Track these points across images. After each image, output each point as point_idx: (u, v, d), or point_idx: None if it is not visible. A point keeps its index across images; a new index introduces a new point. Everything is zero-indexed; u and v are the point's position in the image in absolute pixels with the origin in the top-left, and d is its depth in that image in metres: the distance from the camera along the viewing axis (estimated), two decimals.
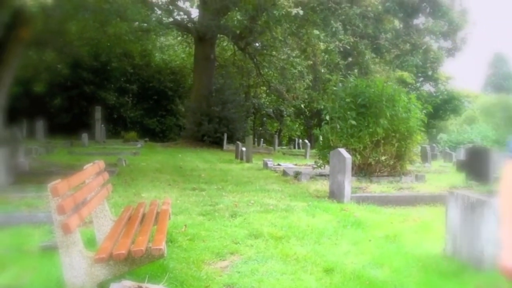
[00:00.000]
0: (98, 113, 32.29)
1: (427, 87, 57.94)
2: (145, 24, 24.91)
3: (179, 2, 34.64)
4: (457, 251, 5.80)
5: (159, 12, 31.99)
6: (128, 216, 5.48)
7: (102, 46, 31.23)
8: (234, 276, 5.14)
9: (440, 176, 17.09)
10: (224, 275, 5.17)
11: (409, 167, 15.51)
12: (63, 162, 17.45)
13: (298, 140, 44.28)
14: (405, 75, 44.83)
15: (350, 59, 36.04)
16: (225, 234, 6.91)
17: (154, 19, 26.87)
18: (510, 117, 62.11)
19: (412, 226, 7.91)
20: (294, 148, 41.93)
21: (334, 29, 29.64)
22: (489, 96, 71.71)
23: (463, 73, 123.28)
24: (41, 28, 16.27)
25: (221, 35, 35.90)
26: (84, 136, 27.89)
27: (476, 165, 14.38)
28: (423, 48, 39.06)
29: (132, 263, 4.14)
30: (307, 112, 45.49)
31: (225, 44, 41.33)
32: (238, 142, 24.93)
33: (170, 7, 33.17)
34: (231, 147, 29.45)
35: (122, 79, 41.77)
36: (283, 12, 25.86)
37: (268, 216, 8.30)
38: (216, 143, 31.91)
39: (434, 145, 39.61)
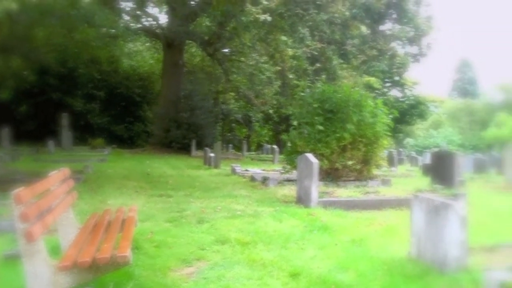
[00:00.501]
0: (64, 120, 31.92)
1: (394, 92, 58.61)
2: (113, 30, 24.72)
3: (147, 8, 34.46)
4: (421, 254, 5.87)
5: (127, 18, 31.79)
6: (93, 223, 5.43)
7: (69, 52, 30.82)
8: (200, 282, 5.14)
9: (406, 180, 17.32)
10: (190, 282, 5.16)
11: (375, 171, 15.67)
12: (29, 169, 17.19)
13: (267, 146, 44.34)
14: (372, 80, 45.31)
15: (317, 65, 36.21)
16: (191, 241, 6.90)
17: (122, 25, 26.67)
18: (475, 121, 63.14)
19: (378, 230, 8.00)
20: (263, 153, 41.96)
21: (301, 35, 29.84)
22: (455, 101, 72.85)
23: (430, 78, 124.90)
24: (7, 34, 16.06)
25: (190, 41, 35.82)
26: (51, 143, 27.58)
27: (441, 169, 14.59)
28: (389, 53, 39.48)
29: (97, 270, 4.10)
30: (276, 118, 45.57)
31: (193, 50, 41.25)
32: (206, 148, 24.88)
33: (138, 13, 32.97)
34: (200, 153, 29.37)
35: (89, 86, 41.26)
36: (251, 19, 25.99)
37: (235, 221, 8.30)
38: (185, 149, 31.76)
39: (400, 149, 40.12)
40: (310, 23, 30.29)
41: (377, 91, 46.22)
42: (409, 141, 57.39)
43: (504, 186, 15.80)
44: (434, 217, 5.68)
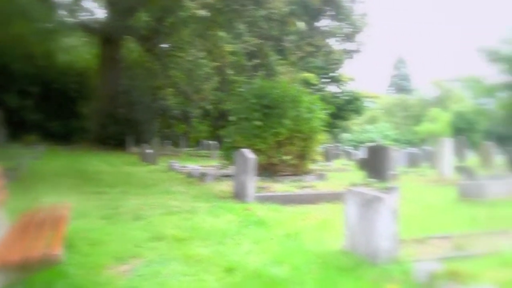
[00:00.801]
0: None
1: (331, 88, 59.37)
2: (49, 25, 24.14)
3: (84, 2, 33.82)
4: (355, 247, 5.99)
5: (63, 12, 31.08)
6: (24, 222, 5.31)
7: (3, 47, 30.02)
8: (135, 279, 5.09)
9: (342, 174, 17.60)
10: (124, 279, 5.10)
11: (312, 166, 15.86)
12: None
13: (205, 142, 44.20)
14: (309, 76, 45.73)
15: (256, 60, 36.37)
16: (127, 238, 6.82)
17: (57, 19, 26.08)
18: (409, 117, 64.75)
19: (313, 223, 8.11)
20: (201, 149, 41.83)
21: (239, 31, 29.89)
22: (391, 96, 74.50)
23: (369, 75, 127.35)
24: None
25: (128, 36, 35.35)
26: None
27: (375, 163, 14.91)
28: (325, 50, 40.00)
29: (27, 270, 4.02)
30: (215, 114, 45.45)
31: (131, 45, 40.71)
32: (144, 144, 24.63)
33: (75, 7, 32.29)
34: (137, 149, 29.05)
35: (24, 81, 40.19)
36: (190, 14, 25.83)
37: (172, 218, 8.27)
38: (122, 146, 31.32)
39: (337, 144, 40.67)
40: (248, 19, 30.38)
41: (314, 87, 46.67)
42: (345, 136, 58.37)
43: (436, 180, 16.26)
44: (366, 211, 5.79)
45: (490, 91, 42.81)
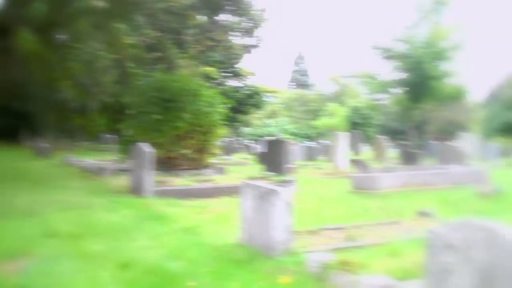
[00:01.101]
0: None
1: (232, 83, 59.60)
2: None
3: None
4: (251, 239, 6.07)
5: None
6: None
7: None
8: (25, 278, 4.91)
9: (241, 168, 17.78)
10: (14, 278, 4.92)
11: (211, 160, 15.89)
12: None
13: (104, 135, 43.24)
14: (210, 70, 45.72)
15: (156, 53, 35.94)
16: (18, 235, 6.58)
17: None
18: (308, 111, 66.16)
19: (211, 217, 8.16)
20: (100, 143, 40.91)
21: (138, 23, 29.47)
22: (291, 91, 75.80)
23: (269, 69, 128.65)
24: None
25: (24, 26, 33.94)
26: None
27: (273, 157, 15.15)
28: (225, 44, 40.15)
29: None
30: (114, 107, 44.51)
31: (28, 35, 39.10)
32: (39, 138, 23.82)
33: None
34: (32, 143, 28.05)
35: None
36: (88, 5, 25.20)
37: (66, 214, 8.06)
38: (16, 140, 30.15)
39: (237, 138, 40.91)
40: (148, 11, 30.00)
41: (214, 81, 46.74)
42: (245, 130, 58.85)
43: (331, 172, 16.73)
44: (262, 203, 5.88)
45: (384, 87, 44.35)
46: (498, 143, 28.81)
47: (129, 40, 33.58)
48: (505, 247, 3.05)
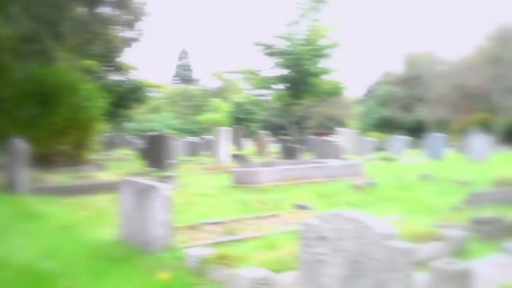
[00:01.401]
0: None
1: (114, 77, 58.39)
2: None
3: None
4: (130, 236, 6.00)
5: None
6: None
7: None
8: None
9: (122, 164, 17.51)
10: None
11: (91, 156, 15.53)
12: None
13: None
14: (90, 64, 44.49)
15: (32, 46, 34.52)
16: None
17: None
18: (192, 106, 66.10)
19: (89, 214, 7.98)
20: None
21: (12, 13, 28.15)
22: (174, 86, 75.36)
23: (153, 64, 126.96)
24: None
25: None
26: None
27: (155, 152, 15.02)
28: (105, 37, 39.26)
29: None
30: None
31: None
32: None
33: None
34: None
35: None
36: None
37: None
38: None
39: (120, 133, 40.19)
40: (22, 1, 28.73)
41: (96, 75, 45.58)
42: (128, 125, 57.87)
43: (213, 167, 16.82)
44: (140, 200, 5.83)
45: (266, 83, 45.15)
46: (373, 137, 30.01)
47: (3, 31, 32.03)
48: (372, 238, 3.19)
